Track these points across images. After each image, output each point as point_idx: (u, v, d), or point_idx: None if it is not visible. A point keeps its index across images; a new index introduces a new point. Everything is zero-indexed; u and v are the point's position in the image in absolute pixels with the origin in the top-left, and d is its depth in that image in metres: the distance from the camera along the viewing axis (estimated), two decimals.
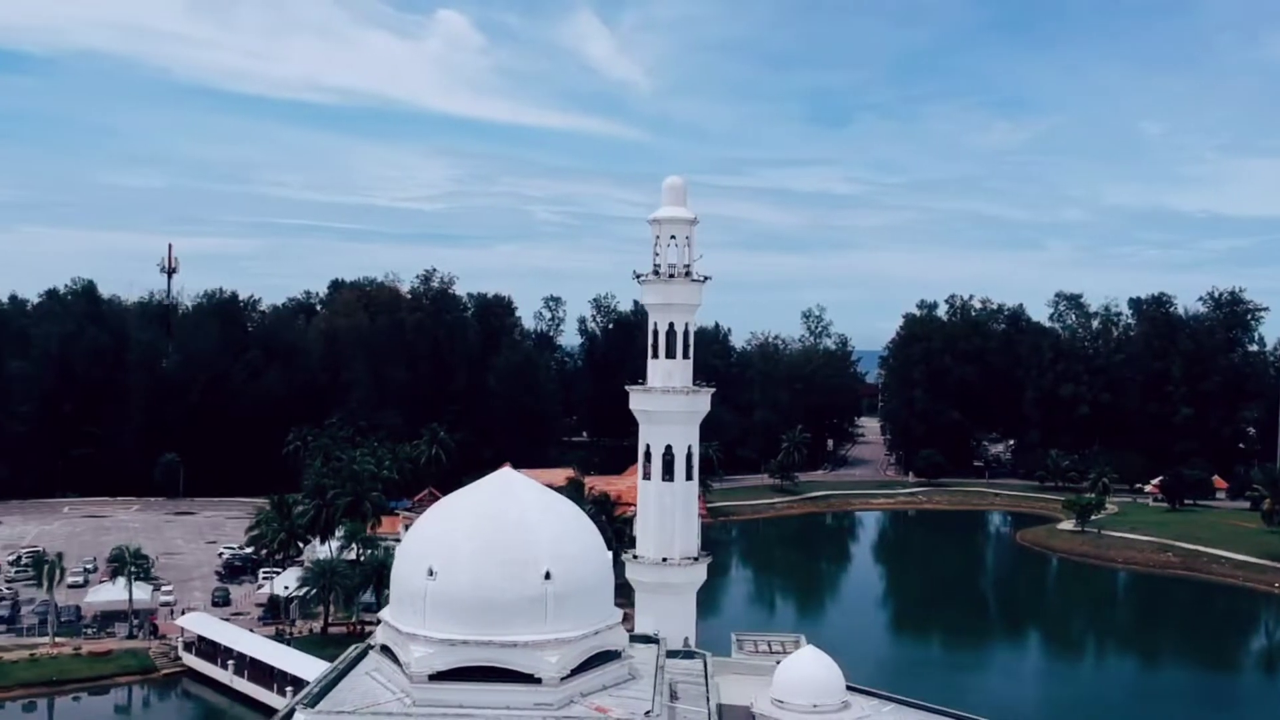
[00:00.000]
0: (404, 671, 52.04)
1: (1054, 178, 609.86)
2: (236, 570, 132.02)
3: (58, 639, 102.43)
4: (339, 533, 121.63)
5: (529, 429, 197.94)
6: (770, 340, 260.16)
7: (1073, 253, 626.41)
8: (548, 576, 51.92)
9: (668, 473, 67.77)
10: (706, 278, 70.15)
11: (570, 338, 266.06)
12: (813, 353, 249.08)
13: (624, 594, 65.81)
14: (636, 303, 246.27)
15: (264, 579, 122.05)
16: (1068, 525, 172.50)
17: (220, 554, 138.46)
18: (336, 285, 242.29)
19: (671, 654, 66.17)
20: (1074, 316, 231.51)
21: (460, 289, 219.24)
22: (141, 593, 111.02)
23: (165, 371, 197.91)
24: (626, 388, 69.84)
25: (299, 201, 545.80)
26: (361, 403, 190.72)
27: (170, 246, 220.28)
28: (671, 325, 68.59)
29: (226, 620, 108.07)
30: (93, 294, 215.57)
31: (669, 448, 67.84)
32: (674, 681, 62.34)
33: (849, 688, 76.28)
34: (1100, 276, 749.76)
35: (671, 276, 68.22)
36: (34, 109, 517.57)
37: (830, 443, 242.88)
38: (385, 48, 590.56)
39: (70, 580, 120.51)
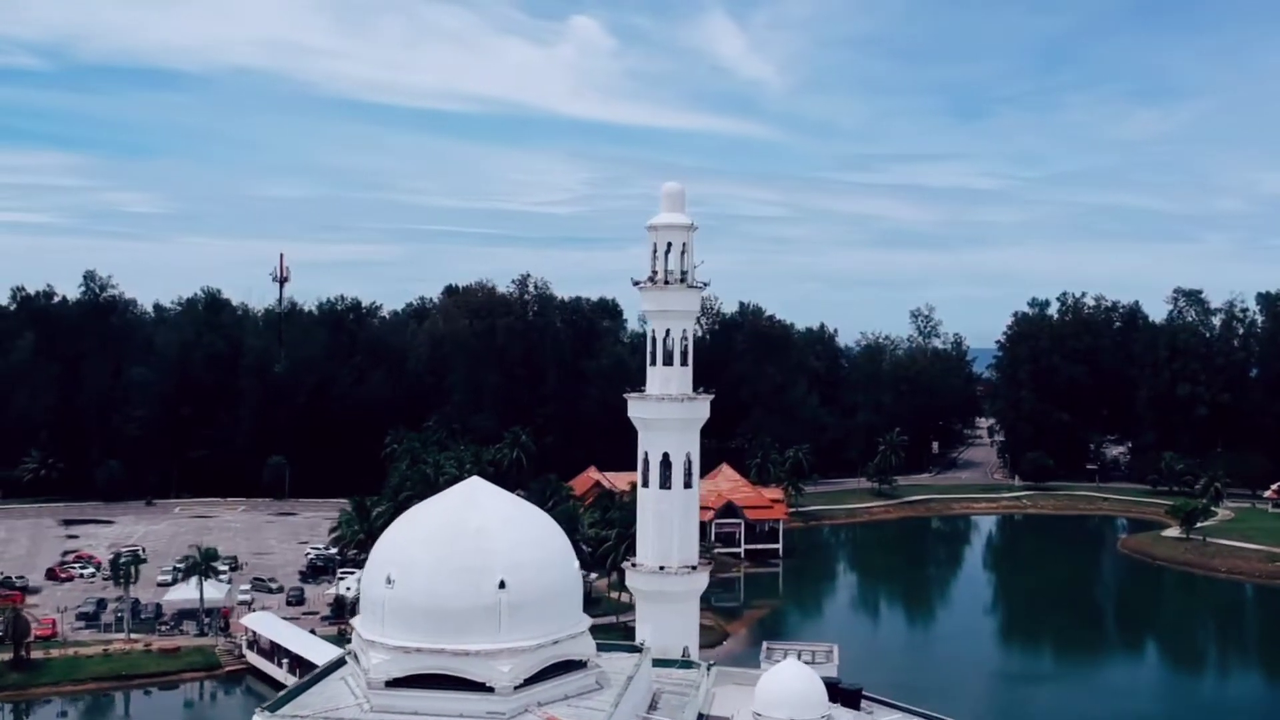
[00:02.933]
0: (365, 678, 53.19)
1: (1205, 167, 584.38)
2: (319, 570, 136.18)
3: (133, 635, 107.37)
4: None
5: (621, 432, 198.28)
6: (879, 340, 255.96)
7: (1228, 245, 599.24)
8: (502, 585, 52.38)
9: (665, 481, 67.43)
10: (705, 284, 69.69)
11: None
12: (919, 353, 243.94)
13: None
14: (741, 303, 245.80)
15: (339, 579, 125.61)
16: (1173, 532, 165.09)
17: (307, 554, 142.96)
18: (450, 290, 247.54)
19: (667, 663, 66.12)
20: (1194, 313, 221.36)
21: (578, 292, 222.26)
22: (217, 591, 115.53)
23: (276, 377, 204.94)
24: (625, 395, 69.73)
25: (437, 208, 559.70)
26: (457, 406, 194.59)
27: (281, 256, 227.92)
28: (669, 332, 68.26)
29: (297, 619, 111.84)
30: (212, 302, 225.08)
31: (666, 455, 67.48)
32: (659, 691, 62.22)
33: (867, 698, 75.32)
34: (1259, 269, 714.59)
35: (667, 283, 67.87)
36: (188, 124, 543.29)
37: (935, 445, 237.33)
38: (520, 55, 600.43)
39: (159, 579, 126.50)
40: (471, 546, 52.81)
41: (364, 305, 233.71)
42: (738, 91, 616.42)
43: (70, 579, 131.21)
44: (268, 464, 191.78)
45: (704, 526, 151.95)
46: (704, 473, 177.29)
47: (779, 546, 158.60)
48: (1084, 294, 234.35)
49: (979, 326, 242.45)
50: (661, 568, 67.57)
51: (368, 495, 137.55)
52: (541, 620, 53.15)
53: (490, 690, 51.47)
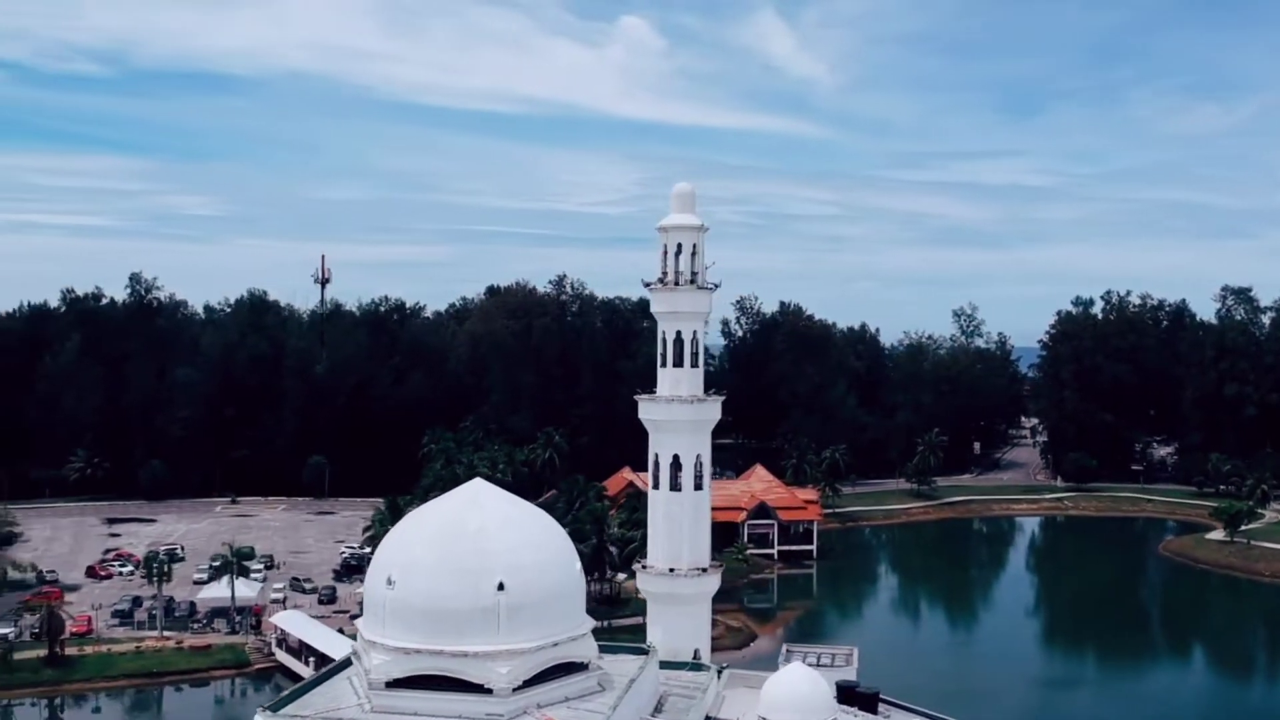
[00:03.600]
0: (366, 678, 53.59)
1: (1271, 161, 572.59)
2: (352, 569, 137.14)
3: (165, 633, 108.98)
4: None
5: None
6: (921, 339, 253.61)
7: None
8: (501, 587, 52.54)
9: (675, 482, 67.31)
10: (715, 285, 69.49)
11: (714, 339, 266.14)
12: (960, 352, 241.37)
13: None
14: (782, 303, 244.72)
15: None
16: (1217, 534, 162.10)
17: (342, 553, 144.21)
18: (491, 290, 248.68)
19: (677, 666, 66.02)
20: (1243, 311, 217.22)
21: (625, 292, 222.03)
22: (250, 590, 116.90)
23: (317, 377, 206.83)
24: (635, 397, 69.69)
25: (489, 209, 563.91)
26: (495, 406, 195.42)
27: (323, 257, 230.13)
28: (679, 334, 68.17)
29: (327, 618, 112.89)
30: (256, 304, 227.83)
31: (676, 457, 67.39)
32: (666, 694, 62.15)
33: (885, 701, 74.71)
34: None
35: (677, 284, 67.77)
36: (244, 128, 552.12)
37: (977, 445, 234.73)
38: (570, 56, 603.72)
39: (195, 577, 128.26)
40: (471, 548, 53.01)
41: (408, 306, 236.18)
42: (789, 90, 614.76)
43: (109, 576, 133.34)
44: (308, 464, 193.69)
45: (736, 527, 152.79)
46: (739, 473, 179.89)
47: (813, 548, 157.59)
48: (1128, 292, 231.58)
49: (1031, 325, 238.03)
50: (671, 570, 67.52)
51: (403, 495, 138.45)
52: (541, 622, 53.24)
53: (489, 692, 51.68)
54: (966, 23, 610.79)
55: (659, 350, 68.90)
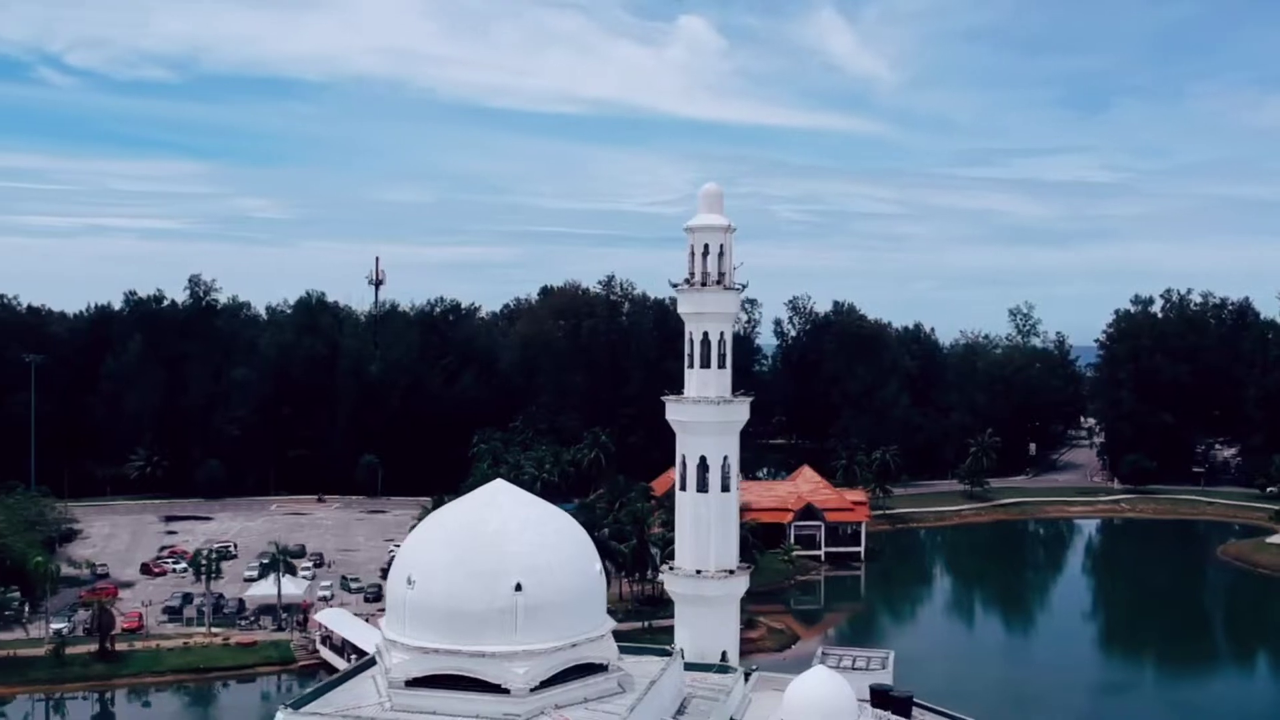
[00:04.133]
0: (386, 677, 54.11)
1: None
2: None
3: (213, 629, 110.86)
4: None
5: None
6: (978, 339, 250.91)
7: None
8: (518, 588, 52.74)
9: (702, 484, 67.13)
10: (743, 286, 69.33)
11: (767, 339, 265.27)
12: (1015, 352, 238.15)
13: None
14: (836, 302, 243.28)
15: None
16: (1279, 538, 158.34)
17: (389, 552, 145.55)
18: (545, 291, 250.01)
19: (704, 668, 65.84)
20: None
21: (670, 293, 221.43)
22: (297, 587, 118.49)
23: (370, 377, 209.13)
24: (662, 398, 69.66)
25: (550, 210, 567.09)
26: (544, 406, 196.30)
27: (377, 259, 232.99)
28: (706, 334, 68.01)
29: (371, 616, 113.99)
30: (312, 305, 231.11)
31: (703, 458, 67.20)
32: (690, 696, 61.98)
33: (918, 705, 74.03)
34: None
35: (704, 285, 67.62)
36: (311, 132, 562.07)
37: (1033, 446, 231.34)
38: (630, 56, 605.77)
39: (246, 574, 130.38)
40: (489, 549, 53.28)
41: (464, 307, 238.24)
42: (849, 88, 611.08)
43: (163, 573, 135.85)
44: (360, 463, 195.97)
45: (782, 528, 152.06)
46: (788, 474, 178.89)
47: (860, 549, 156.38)
48: (1189, 291, 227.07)
49: (1095, 323, 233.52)
50: (698, 571, 67.33)
51: (447, 494, 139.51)
52: (559, 623, 53.33)
53: (506, 692, 51.90)
54: (1029, 18, 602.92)
55: (686, 351, 68.75)
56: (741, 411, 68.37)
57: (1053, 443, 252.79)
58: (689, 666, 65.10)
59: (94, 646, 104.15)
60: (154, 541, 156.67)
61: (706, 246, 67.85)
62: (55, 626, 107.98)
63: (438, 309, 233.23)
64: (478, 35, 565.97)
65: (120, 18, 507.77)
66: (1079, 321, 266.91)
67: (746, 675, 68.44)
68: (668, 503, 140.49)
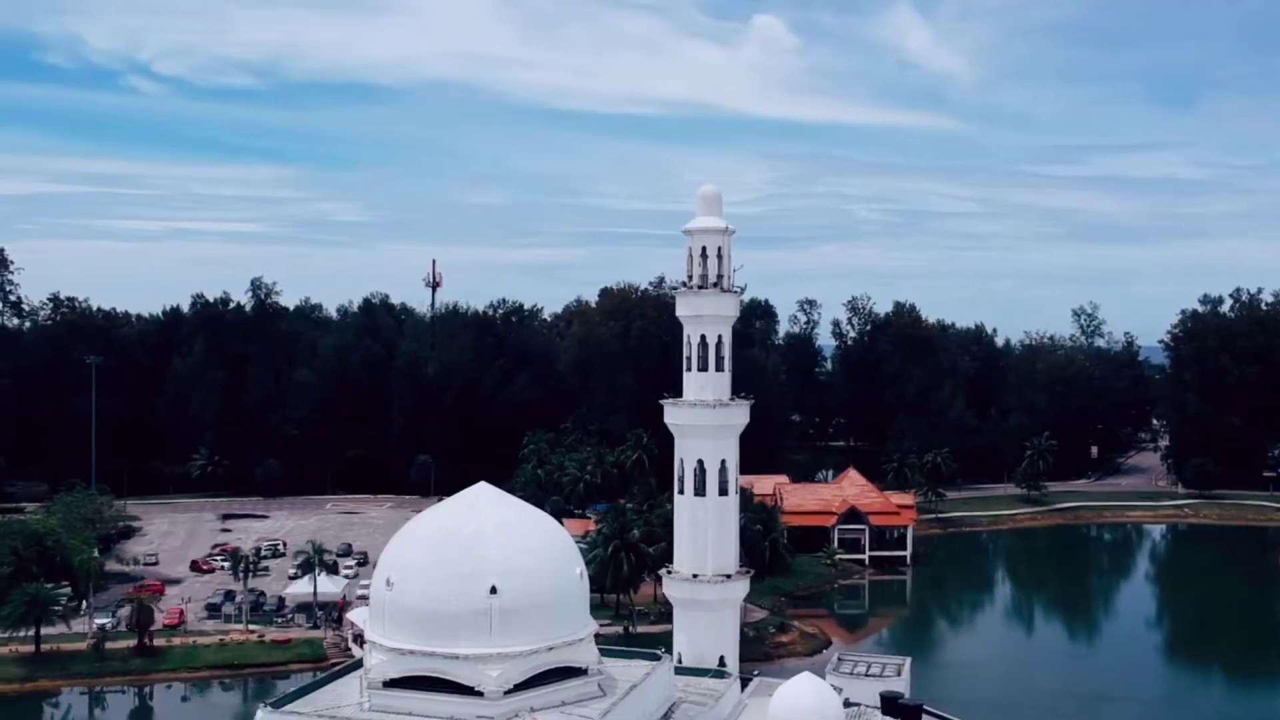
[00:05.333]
0: (366, 677, 54.72)
1: None
2: None
3: (250, 626, 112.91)
4: None
5: (756, 434, 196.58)
6: (1042, 340, 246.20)
7: None
8: (493, 591, 52.92)
9: (700, 488, 66.84)
10: (741, 289, 68.90)
11: (825, 340, 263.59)
12: (1077, 353, 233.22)
13: None
14: (896, 303, 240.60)
15: None
16: None
17: None
18: (604, 292, 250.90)
19: (700, 672, 65.56)
20: None
21: (757, 292, 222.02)
22: (334, 585, 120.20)
23: (426, 379, 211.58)
24: (660, 401, 69.48)
25: (625, 211, 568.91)
26: (594, 408, 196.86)
27: (434, 261, 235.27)
28: (704, 337, 67.73)
29: None
30: (371, 307, 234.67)
31: (700, 462, 66.92)
32: (680, 701, 61.76)
33: (928, 713, 72.96)
34: None
35: (701, 288, 67.34)
36: (388, 136, 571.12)
37: (1095, 450, 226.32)
38: (704, 57, 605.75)
39: (290, 572, 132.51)
40: (465, 551, 53.51)
41: (526, 308, 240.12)
42: (926, 85, 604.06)
43: (211, 571, 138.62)
44: (415, 463, 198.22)
45: (826, 531, 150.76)
46: (810, 476, 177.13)
47: (906, 553, 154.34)
48: (1259, 290, 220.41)
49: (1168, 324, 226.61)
50: (695, 575, 67.06)
51: None
52: (535, 626, 53.38)
53: (480, 694, 52.15)
54: (1114, 10, 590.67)
55: (684, 354, 68.51)
56: (739, 415, 67.98)
57: (1119, 446, 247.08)
58: (685, 671, 64.93)
59: (134, 642, 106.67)
60: (209, 539, 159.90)
61: (704, 249, 67.52)
62: (99, 622, 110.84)
63: (500, 310, 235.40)
64: (551, 37, 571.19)
65: (205, 26, 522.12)
66: (1160, 321, 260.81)
67: (746, 680, 68.01)
68: None
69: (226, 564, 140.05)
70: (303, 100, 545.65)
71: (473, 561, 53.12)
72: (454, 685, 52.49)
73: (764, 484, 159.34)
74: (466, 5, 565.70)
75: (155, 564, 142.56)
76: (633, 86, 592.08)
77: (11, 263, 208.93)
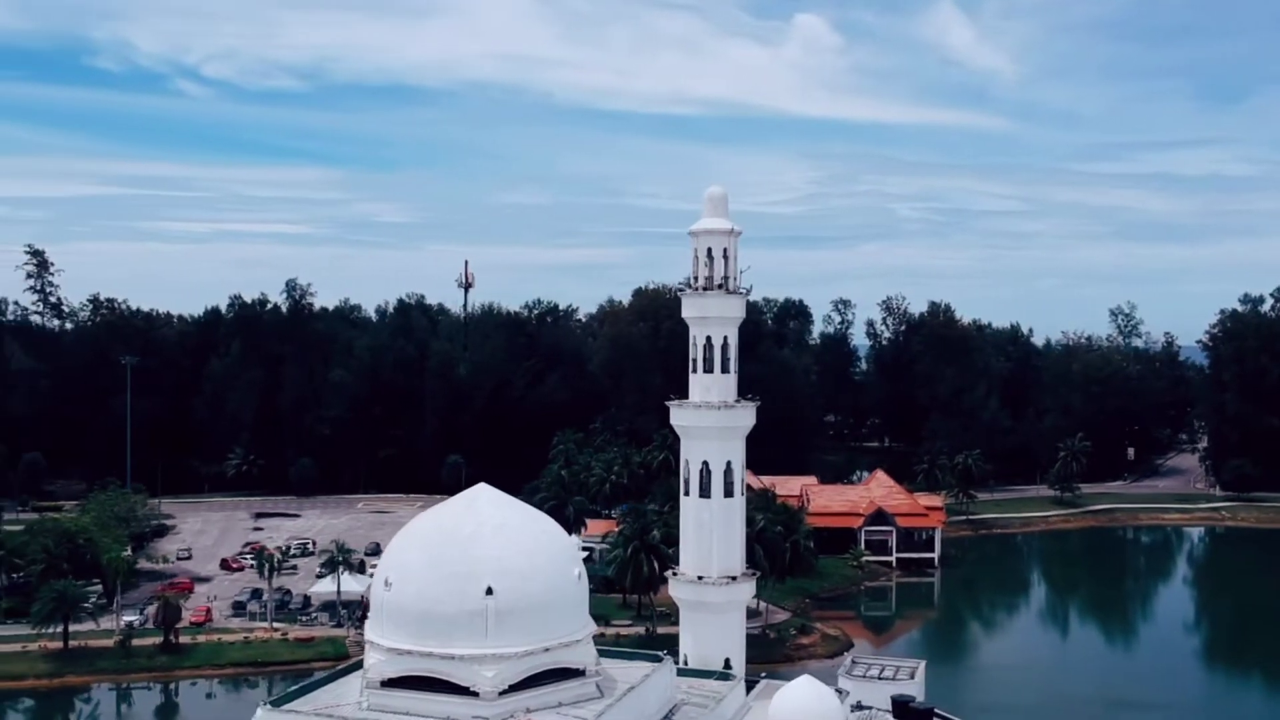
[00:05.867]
0: (365, 676, 55.22)
1: None
2: None
3: (275, 625, 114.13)
4: None
5: (785, 435, 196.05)
6: (1079, 340, 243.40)
7: None
8: (489, 592, 53.20)
9: (705, 489, 66.76)
10: (747, 290, 68.79)
11: (860, 340, 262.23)
12: (1113, 353, 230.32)
13: None
14: (932, 303, 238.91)
15: None
16: None
17: None
18: (637, 292, 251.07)
19: (705, 674, 65.51)
20: None
21: (799, 292, 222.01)
22: (358, 584, 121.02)
23: (458, 379, 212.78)
24: (666, 403, 69.52)
25: (666, 211, 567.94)
26: (624, 408, 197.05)
27: (466, 263, 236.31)
28: (709, 339, 67.65)
29: None
30: (403, 308, 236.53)
31: (705, 464, 66.82)
32: (681, 703, 61.75)
33: (938, 715, 72.54)
34: None
35: (706, 289, 67.29)
36: (432, 137, 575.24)
37: (1131, 451, 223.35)
38: (745, 56, 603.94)
39: (318, 570, 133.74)
40: (462, 553, 53.80)
41: (561, 309, 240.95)
42: (969, 83, 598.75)
43: (241, 569, 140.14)
44: (446, 463, 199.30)
45: (853, 533, 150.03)
46: (838, 478, 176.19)
47: (934, 555, 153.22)
48: None
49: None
50: (700, 578, 66.96)
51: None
52: (531, 627, 53.56)
53: (476, 694, 52.43)
54: (1159, 5, 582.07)
55: (690, 355, 68.48)
56: (745, 417, 67.79)
57: (1157, 448, 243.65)
58: (689, 673, 64.93)
59: (160, 639, 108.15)
60: (241, 538, 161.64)
61: (710, 250, 67.46)
62: (127, 619, 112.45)
63: (535, 311, 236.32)
64: (592, 38, 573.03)
65: (251, 29, 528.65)
66: (1207, 320, 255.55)
67: (753, 683, 67.83)
68: None
69: (255, 562, 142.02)
70: (347, 102, 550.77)
71: (469, 562, 53.41)
72: (450, 685, 52.81)
73: (791, 485, 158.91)
74: (508, 7, 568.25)
75: (188, 558, 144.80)
76: (674, 86, 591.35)
77: (52, 264, 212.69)
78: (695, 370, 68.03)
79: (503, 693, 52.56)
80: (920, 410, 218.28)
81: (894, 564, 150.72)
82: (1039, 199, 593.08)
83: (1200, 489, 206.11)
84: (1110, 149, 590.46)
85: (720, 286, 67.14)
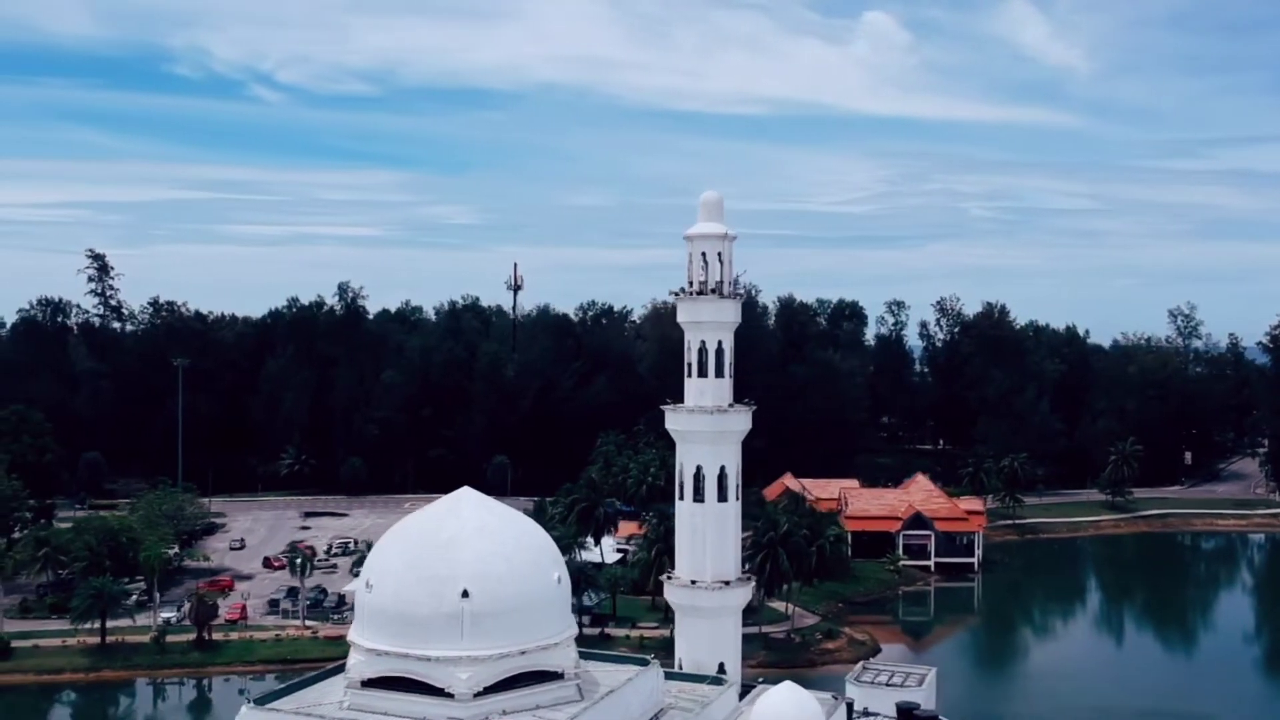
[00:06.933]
0: (346, 677, 56.12)
1: None
2: None
3: (307, 622, 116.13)
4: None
5: (832, 437, 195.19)
6: (1138, 341, 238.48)
7: None
8: (465, 595, 53.73)
9: (698, 494, 66.78)
10: (741, 295, 68.62)
11: (914, 341, 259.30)
12: (1171, 355, 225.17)
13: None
14: (987, 303, 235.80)
15: None
16: None
17: None
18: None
19: (698, 679, 65.51)
20: None
21: (854, 292, 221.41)
22: None
23: (506, 380, 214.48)
24: (661, 407, 69.63)
25: (734, 211, 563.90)
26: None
27: (515, 265, 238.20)
28: (704, 343, 67.61)
29: None
30: (454, 310, 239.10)
31: (699, 468, 66.84)
32: (668, 706, 61.82)
33: None
34: None
35: (699, 294, 67.28)
36: (500, 140, 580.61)
37: (1188, 456, 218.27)
38: (813, 55, 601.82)
39: (353, 569, 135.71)
40: (439, 555, 54.35)
41: (615, 310, 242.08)
42: (1041, 79, 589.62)
43: (282, 567, 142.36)
44: (492, 463, 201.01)
45: (891, 537, 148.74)
46: (898, 481, 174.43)
47: (974, 560, 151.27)
48: None
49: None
50: (694, 582, 66.97)
51: (548, 496, 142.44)
52: (508, 630, 53.88)
53: (451, 696, 53.01)
54: None
55: (685, 360, 68.53)
56: (739, 421, 67.65)
57: (1218, 452, 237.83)
58: (681, 677, 64.96)
59: (194, 635, 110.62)
60: (288, 536, 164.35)
61: (704, 255, 67.45)
62: (164, 615, 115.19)
63: (589, 313, 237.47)
64: (659, 40, 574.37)
65: (323, 35, 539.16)
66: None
67: (749, 688, 67.71)
68: (754, 511, 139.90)
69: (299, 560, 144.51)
70: (417, 106, 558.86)
71: (447, 565, 53.93)
72: (426, 687, 53.42)
73: (829, 488, 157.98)
74: (575, 10, 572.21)
75: (241, 548, 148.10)
76: (741, 86, 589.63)
77: (112, 269, 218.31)
78: (690, 374, 68.01)
79: (478, 694, 52.96)
80: (971, 413, 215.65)
81: (932, 569, 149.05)
82: (1112, 197, 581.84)
83: (1260, 494, 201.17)
84: (1187, 145, 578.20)
85: (714, 291, 66.96)
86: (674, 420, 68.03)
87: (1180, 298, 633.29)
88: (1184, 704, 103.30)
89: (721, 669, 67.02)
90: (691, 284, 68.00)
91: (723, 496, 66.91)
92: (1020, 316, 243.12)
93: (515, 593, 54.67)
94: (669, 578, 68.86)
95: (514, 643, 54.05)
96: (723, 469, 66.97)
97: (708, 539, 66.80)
